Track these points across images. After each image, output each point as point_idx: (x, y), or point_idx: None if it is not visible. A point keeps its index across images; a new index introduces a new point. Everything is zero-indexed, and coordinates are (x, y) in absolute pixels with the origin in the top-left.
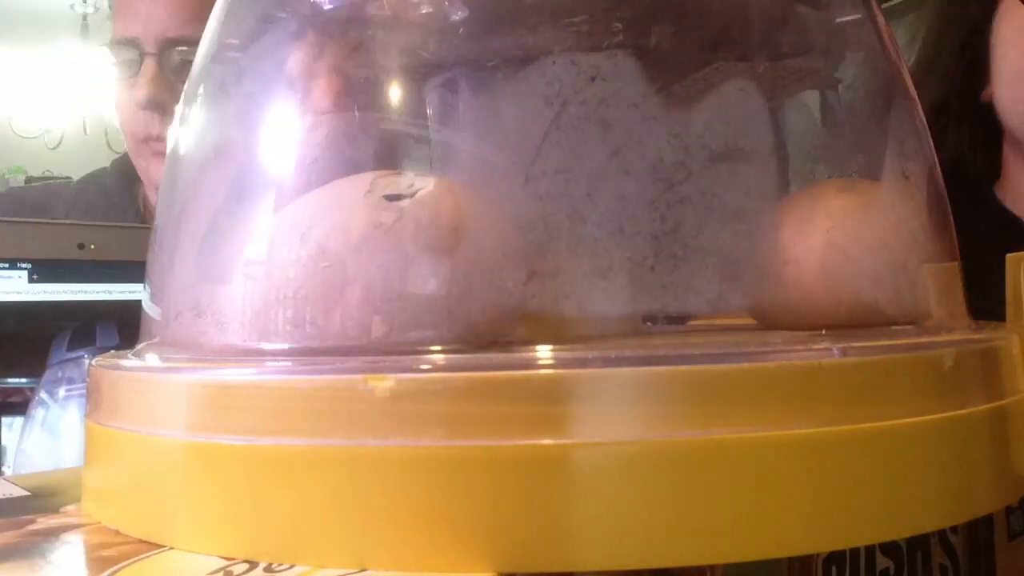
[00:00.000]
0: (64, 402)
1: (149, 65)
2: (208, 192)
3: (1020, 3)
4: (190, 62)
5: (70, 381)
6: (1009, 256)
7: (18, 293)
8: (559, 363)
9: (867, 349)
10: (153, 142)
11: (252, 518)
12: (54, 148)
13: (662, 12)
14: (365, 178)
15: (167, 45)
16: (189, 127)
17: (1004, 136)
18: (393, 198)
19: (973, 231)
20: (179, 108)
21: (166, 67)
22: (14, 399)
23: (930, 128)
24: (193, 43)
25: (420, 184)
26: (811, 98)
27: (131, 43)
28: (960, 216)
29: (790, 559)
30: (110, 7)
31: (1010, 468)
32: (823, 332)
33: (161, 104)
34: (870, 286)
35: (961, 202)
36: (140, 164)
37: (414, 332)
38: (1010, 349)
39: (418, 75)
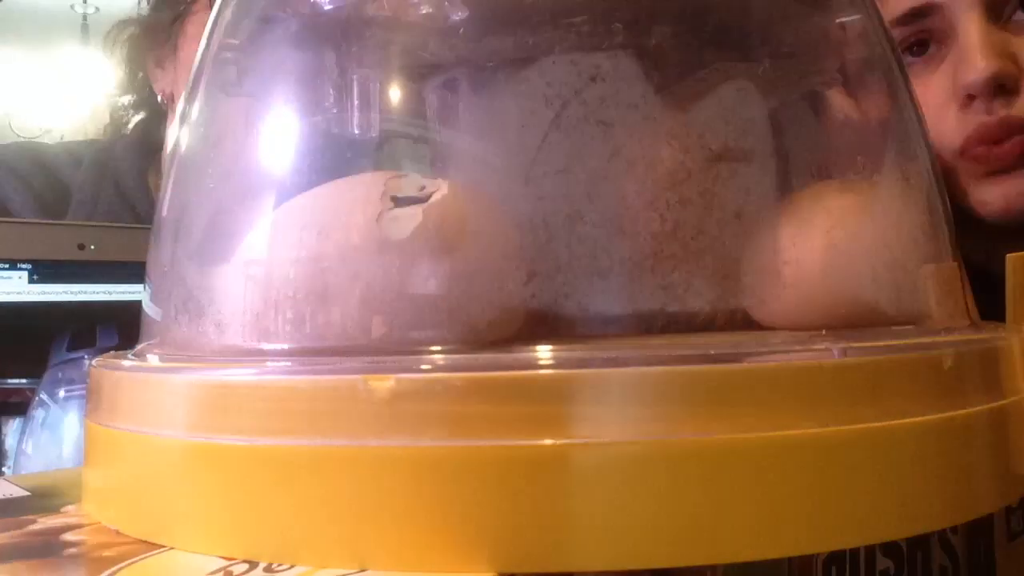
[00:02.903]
0: (64, 402)
1: None
2: (208, 192)
3: None
4: None
5: (70, 382)
6: (1009, 256)
7: (18, 293)
8: (559, 363)
9: (867, 349)
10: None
11: (252, 518)
12: None
13: (662, 12)
14: (366, 178)
15: None
16: (189, 126)
17: None
18: (393, 200)
19: None
20: (179, 107)
21: None
22: (14, 399)
23: None
24: None
25: (417, 184)
26: (811, 98)
27: None
28: None
29: (790, 559)
30: None
31: (1010, 468)
32: (823, 332)
33: None
34: (870, 286)
35: None
36: None
37: (414, 332)
38: (1010, 349)
39: (418, 75)
